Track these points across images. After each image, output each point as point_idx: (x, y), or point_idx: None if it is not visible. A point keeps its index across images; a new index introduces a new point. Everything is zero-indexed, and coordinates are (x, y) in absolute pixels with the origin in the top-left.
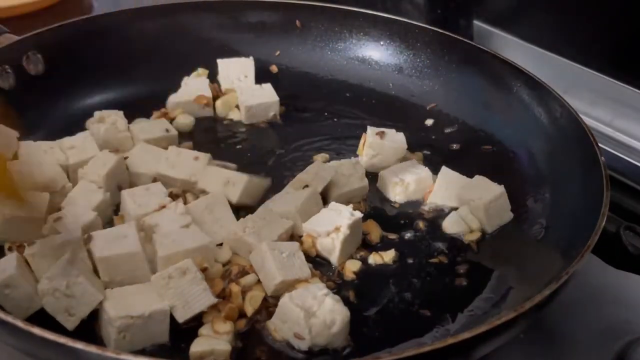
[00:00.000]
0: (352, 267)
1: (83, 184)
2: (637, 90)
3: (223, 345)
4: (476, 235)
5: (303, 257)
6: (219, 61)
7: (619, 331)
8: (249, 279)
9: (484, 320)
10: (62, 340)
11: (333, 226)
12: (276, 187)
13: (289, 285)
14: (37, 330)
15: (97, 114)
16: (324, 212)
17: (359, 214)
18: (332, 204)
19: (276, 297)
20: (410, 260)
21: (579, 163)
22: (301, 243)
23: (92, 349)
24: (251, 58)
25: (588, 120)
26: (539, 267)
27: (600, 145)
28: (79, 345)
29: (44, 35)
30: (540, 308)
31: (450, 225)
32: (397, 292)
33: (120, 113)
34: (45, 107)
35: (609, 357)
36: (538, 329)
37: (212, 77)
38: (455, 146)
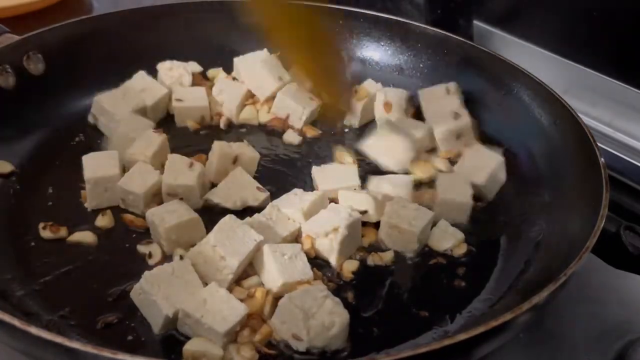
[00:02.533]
0: (350, 267)
1: (139, 165)
2: (637, 90)
3: (216, 350)
4: (463, 249)
5: (305, 259)
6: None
7: (619, 331)
8: (251, 280)
9: (482, 322)
10: (59, 339)
11: (331, 227)
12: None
13: (292, 287)
14: (33, 330)
15: (167, 63)
16: (322, 213)
17: (357, 215)
18: (331, 205)
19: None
20: (409, 262)
21: (578, 164)
22: (301, 244)
23: (88, 348)
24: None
25: (588, 120)
26: (538, 269)
27: (600, 145)
28: (75, 345)
29: (44, 35)
30: (538, 309)
31: (437, 243)
32: (396, 293)
33: (189, 68)
34: (45, 107)
35: (609, 357)
36: (538, 329)
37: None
38: None
